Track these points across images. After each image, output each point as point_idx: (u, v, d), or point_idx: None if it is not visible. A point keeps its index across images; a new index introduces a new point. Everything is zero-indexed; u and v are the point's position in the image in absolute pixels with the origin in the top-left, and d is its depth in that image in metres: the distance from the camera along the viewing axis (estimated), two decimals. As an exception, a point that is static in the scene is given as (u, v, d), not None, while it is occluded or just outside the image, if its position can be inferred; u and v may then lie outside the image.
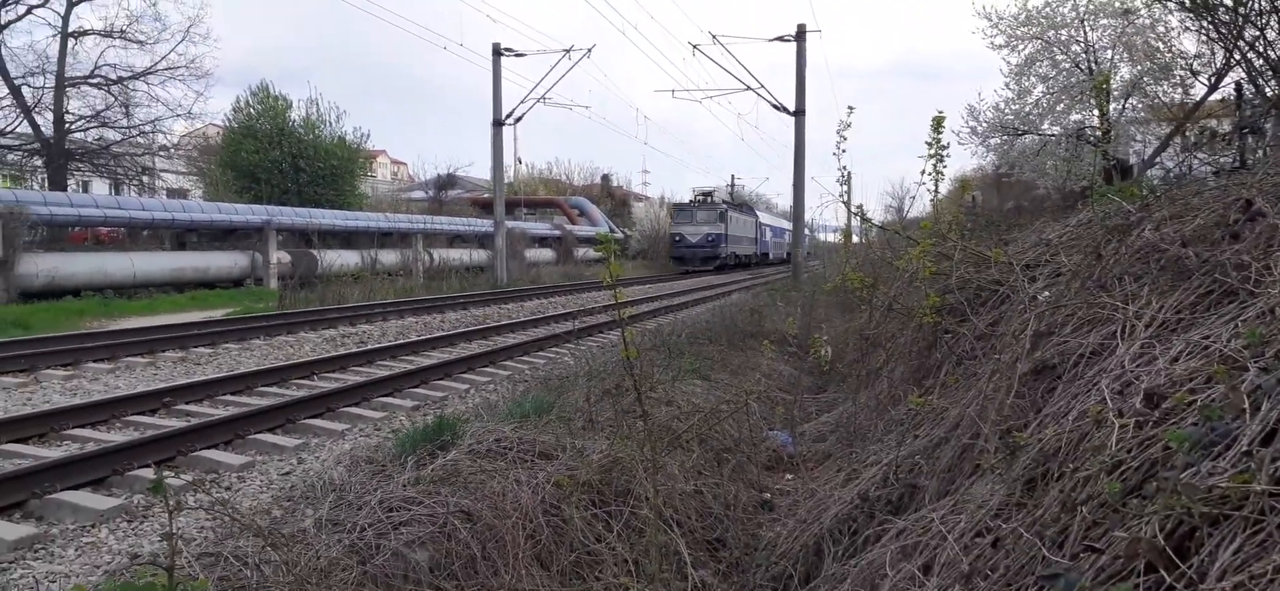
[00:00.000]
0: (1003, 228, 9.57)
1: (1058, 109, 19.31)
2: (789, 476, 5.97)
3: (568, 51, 29.07)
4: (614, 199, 70.53)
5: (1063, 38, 18.66)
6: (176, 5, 36.76)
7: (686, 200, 52.61)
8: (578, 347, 13.54)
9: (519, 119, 30.94)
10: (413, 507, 4.47)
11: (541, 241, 47.06)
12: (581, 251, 48.46)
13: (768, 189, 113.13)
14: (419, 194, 54.02)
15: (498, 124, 30.62)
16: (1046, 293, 4.73)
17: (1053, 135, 19.64)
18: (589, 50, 29.22)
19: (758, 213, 63.70)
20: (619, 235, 53.16)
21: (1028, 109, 19.72)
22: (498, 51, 30.41)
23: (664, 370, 7.81)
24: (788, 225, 55.50)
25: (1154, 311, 3.48)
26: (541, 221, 52.55)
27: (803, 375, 9.53)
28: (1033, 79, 19.66)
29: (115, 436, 7.25)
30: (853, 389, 7.25)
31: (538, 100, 30.10)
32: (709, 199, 50.75)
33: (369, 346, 12.88)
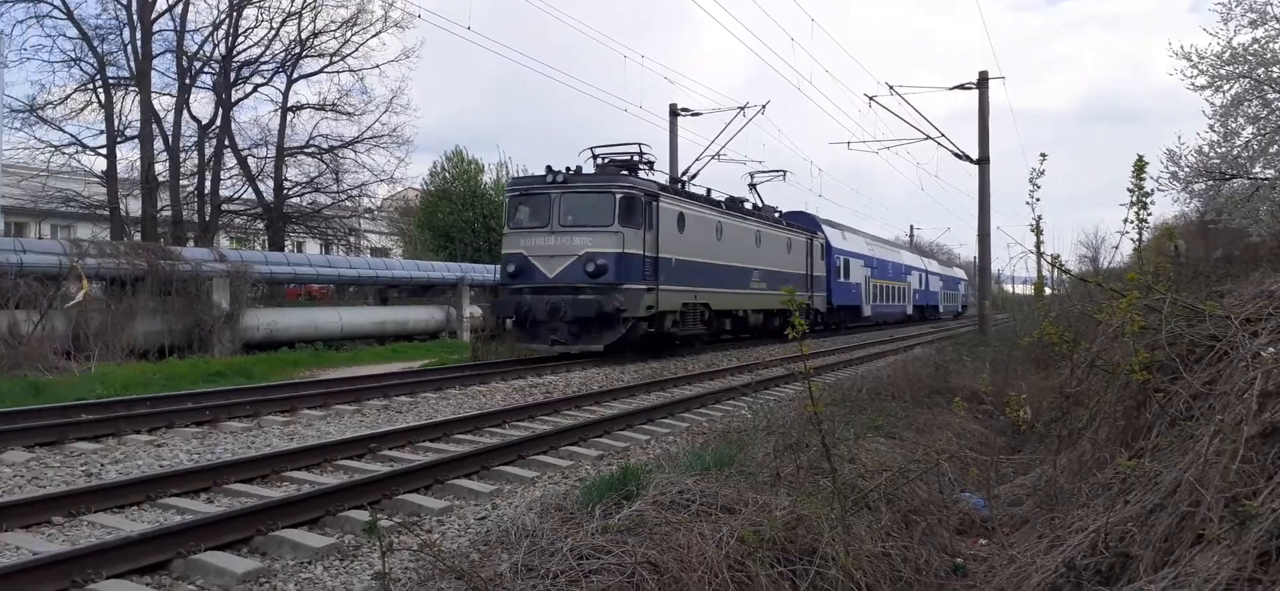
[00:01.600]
0: (1213, 279, 8.86)
1: (1271, 151, 17.73)
2: (983, 541, 5.71)
3: (742, 109, 29.35)
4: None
5: (1275, 75, 17.15)
6: (381, 79, 39.95)
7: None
8: (755, 401, 13.47)
9: (695, 175, 31.34)
10: (602, 557, 4.59)
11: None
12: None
13: (949, 239, 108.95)
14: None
15: (674, 180, 31.18)
16: (1271, 348, 4.36)
17: (1266, 179, 18.03)
18: (763, 107, 29.37)
19: (874, 247, 44.83)
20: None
21: (1236, 152, 18.19)
22: (674, 112, 31.09)
23: (846, 426, 7.66)
24: (950, 272, 51.74)
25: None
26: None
27: (995, 435, 9.11)
28: (1240, 120, 18.13)
29: (328, 479, 7.83)
30: (1052, 450, 6.86)
31: (712, 157, 30.47)
32: (608, 164, 21.07)
33: (554, 396, 13.33)
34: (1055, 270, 7.78)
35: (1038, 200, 6.66)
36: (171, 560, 5.45)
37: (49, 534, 6.08)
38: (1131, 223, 5.82)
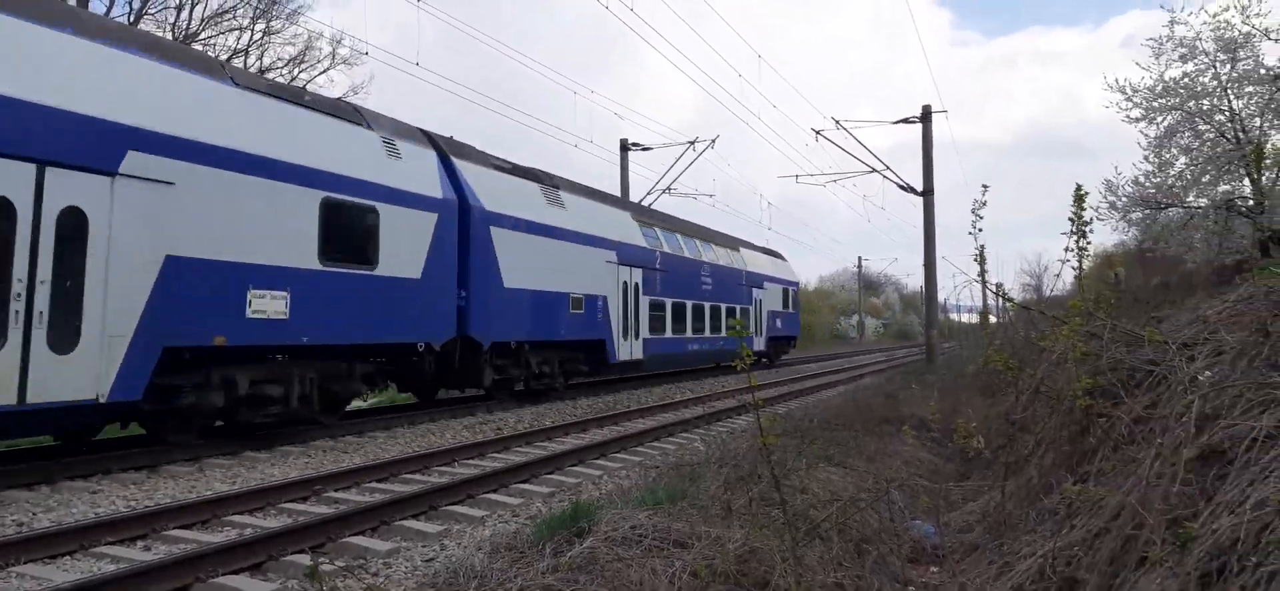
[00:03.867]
0: (1152, 305, 9.09)
1: (1203, 181, 18.30)
2: (934, 569, 5.73)
3: (692, 143, 29.73)
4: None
5: (1205, 107, 17.77)
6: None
7: None
8: (707, 433, 13.48)
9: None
10: (552, 596, 4.52)
11: (669, 327, 47.50)
12: (708, 336, 48.85)
13: (896, 269, 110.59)
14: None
15: (625, 214, 31.31)
16: (1208, 372, 4.46)
17: (1199, 208, 18.61)
18: (713, 141, 29.79)
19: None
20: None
21: (1171, 182, 18.76)
22: (625, 146, 31.36)
23: (797, 456, 7.68)
24: (781, 276, 34.97)
25: (1337, 392, 3.23)
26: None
27: (944, 462, 9.19)
28: (1174, 151, 18.74)
29: (271, 522, 7.62)
30: (1000, 477, 6.94)
31: (664, 191, 30.71)
32: None
33: (505, 433, 13.16)
34: (999, 299, 7.88)
35: (981, 230, 6.80)
36: (104, 612, 5.25)
37: (-26, 588, 5.83)
38: (1072, 251, 5.95)
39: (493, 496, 8.75)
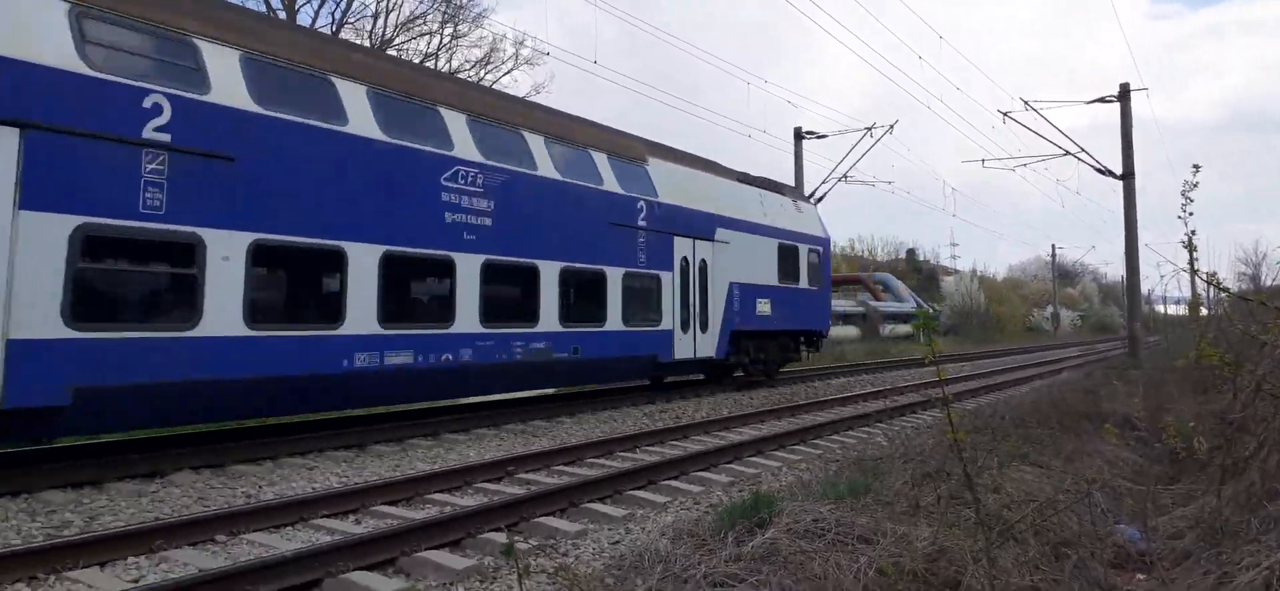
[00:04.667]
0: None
1: None
2: (1141, 577, 5.40)
3: (869, 130, 28.98)
4: (920, 273, 68.38)
5: None
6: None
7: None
8: (890, 428, 13.18)
9: (820, 198, 31.12)
10: (737, 584, 4.57)
11: (845, 318, 46.51)
12: (887, 328, 47.26)
13: (1093, 258, 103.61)
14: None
15: (800, 203, 30.91)
16: None
17: None
18: (891, 126, 28.97)
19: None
20: (929, 310, 51.01)
21: None
22: (799, 135, 30.97)
23: (988, 454, 7.39)
24: (777, 224, 20.67)
25: None
26: (844, 298, 52.04)
27: (1150, 463, 8.61)
28: None
29: (468, 501, 8.08)
30: (1215, 480, 6.44)
31: (839, 179, 30.12)
32: None
33: (684, 421, 13.35)
34: (1212, 289, 7.33)
35: (1191, 215, 6.30)
36: (321, 579, 5.72)
37: (213, 551, 6.48)
38: (1301, 237, 5.44)
39: (674, 483, 8.92)
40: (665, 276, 16.60)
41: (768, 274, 20.07)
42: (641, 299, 15.88)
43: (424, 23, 32.56)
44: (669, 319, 16.59)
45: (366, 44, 29.12)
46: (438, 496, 8.26)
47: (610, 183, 15.55)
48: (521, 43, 38.57)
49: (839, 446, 11.55)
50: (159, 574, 5.92)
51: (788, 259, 20.93)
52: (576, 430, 12.91)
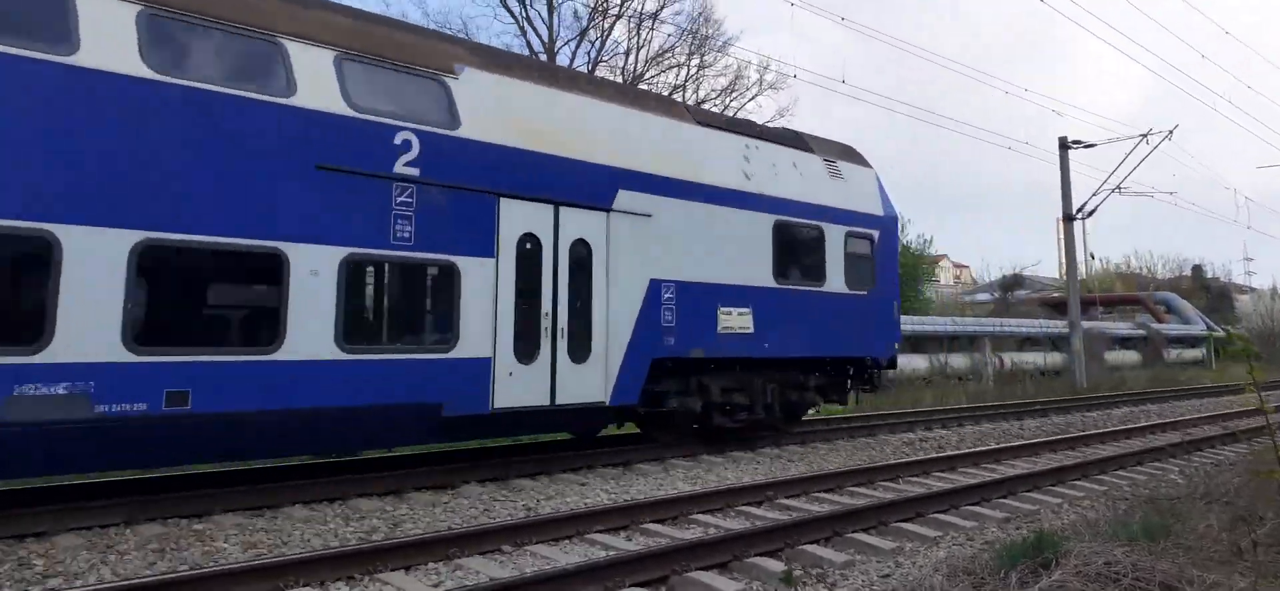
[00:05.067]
0: None
1: None
2: None
3: (1145, 136, 26.72)
4: (1209, 292, 61.48)
5: None
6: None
7: None
8: (1187, 464, 11.97)
9: (1090, 212, 28.98)
10: (1024, 626, 4.36)
11: (1123, 342, 42.71)
12: (1172, 352, 42.93)
13: None
14: (983, 296, 53.16)
15: (1068, 218, 29.07)
16: None
17: None
18: (1170, 132, 26.54)
19: None
20: (1219, 333, 45.84)
21: None
22: (1065, 145, 29.08)
23: (1315, 498, 6.56)
24: (781, 192, 12.75)
25: None
26: (1121, 320, 47.89)
27: None
28: None
29: (732, 523, 8.20)
30: None
31: (1111, 191, 27.93)
32: None
33: (948, 452, 12.82)
34: None
35: None
36: (601, 595, 6.00)
37: (500, 560, 6.99)
38: None
39: (943, 517, 8.59)
40: (467, 265, 9.65)
41: (749, 267, 12.55)
42: (402, 304, 9.59)
43: (672, 56, 33.58)
44: (476, 339, 9.68)
45: (618, 79, 30.48)
46: (701, 517, 8.44)
47: (316, 96, 8.75)
48: (765, 68, 38.79)
49: (1126, 483, 10.63)
50: (455, 579, 6.44)
51: (798, 245, 13.31)
52: (832, 456, 12.74)
